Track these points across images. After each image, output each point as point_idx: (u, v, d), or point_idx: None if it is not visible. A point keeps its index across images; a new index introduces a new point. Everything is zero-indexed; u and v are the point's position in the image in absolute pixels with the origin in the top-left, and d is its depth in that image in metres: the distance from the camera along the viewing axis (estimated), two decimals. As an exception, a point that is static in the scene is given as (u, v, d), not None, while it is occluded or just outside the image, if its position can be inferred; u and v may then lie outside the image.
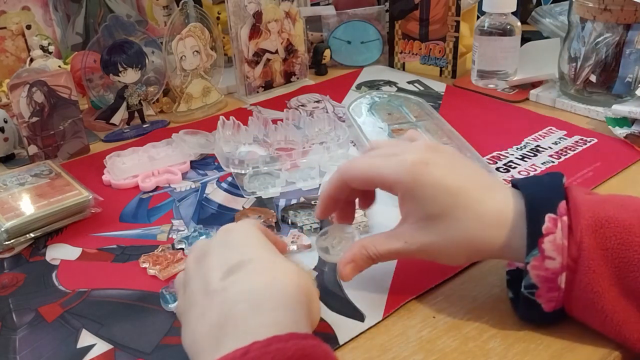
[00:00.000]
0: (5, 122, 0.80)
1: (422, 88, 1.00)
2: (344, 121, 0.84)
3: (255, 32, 0.95)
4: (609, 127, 0.80)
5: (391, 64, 1.10)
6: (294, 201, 0.68)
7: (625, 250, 0.43)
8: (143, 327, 0.51)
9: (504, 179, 0.70)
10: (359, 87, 1.02)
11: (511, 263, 0.51)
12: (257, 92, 0.99)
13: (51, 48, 0.92)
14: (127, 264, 0.60)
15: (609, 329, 0.45)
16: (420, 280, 0.55)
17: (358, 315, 0.51)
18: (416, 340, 0.48)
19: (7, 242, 0.62)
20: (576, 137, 0.79)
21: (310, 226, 0.63)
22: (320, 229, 0.63)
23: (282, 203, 0.68)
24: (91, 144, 0.85)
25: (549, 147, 0.77)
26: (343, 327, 0.50)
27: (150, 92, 0.90)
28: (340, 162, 0.74)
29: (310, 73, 1.07)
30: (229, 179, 0.74)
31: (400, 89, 1.00)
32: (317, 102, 0.96)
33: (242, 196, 0.70)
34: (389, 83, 1.02)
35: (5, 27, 0.92)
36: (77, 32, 1.01)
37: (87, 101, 0.91)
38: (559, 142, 0.78)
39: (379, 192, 0.69)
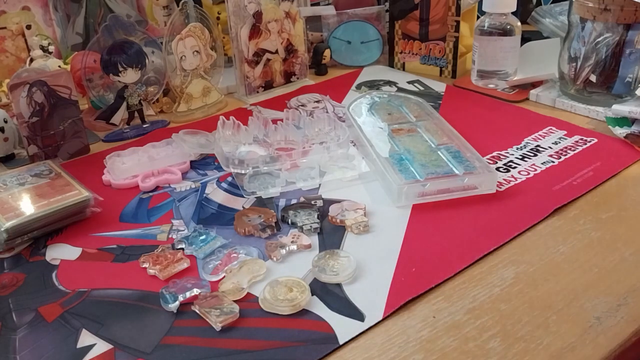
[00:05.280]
0: (5, 122, 0.80)
1: (422, 88, 1.00)
2: (344, 121, 0.84)
3: (255, 32, 0.95)
4: (609, 127, 0.80)
5: (391, 64, 1.10)
6: (294, 201, 0.68)
7: None
8: (143, 327, 0.51)
9: (504, 179, 0.70)
10: (359, 87, 1.02)
11: None
12: (257, 92, 0.99)
13: (51, 48, 0.93)
14: (127, 264, 0.60)
15: None
16: (420, 280, 0.55)
17: (358, 315, 0.51)
18: (416, 340, 0.48)
19: (7, 242, 0.62)
20: (576, 137, 0.79)
21: (310, 226, 0.63)
22: (321, 229, 0.63)
23: (282, 203, 0.68)
24: (91, 144, 0.85)
25: (549, 147, 0.77)
26: (343, 327, 0.50)
27: (150, 92, 0.90)
28: (340, 162, 0.74)
29: (310, 73, 1.07)
30: (229, 179, 0.74)
31: (400, 89, 0.99)
32: (317, 102, 0.96)
33: (242, 196, 0.70)
34: (389, 83, 1.02)
35: (5, 27, 0.93)
36: (77, 32, 1.01)
37: (87, 101, 0.91)
38: (559, 142, 0.78)
39: (379, 192, 0.69)
